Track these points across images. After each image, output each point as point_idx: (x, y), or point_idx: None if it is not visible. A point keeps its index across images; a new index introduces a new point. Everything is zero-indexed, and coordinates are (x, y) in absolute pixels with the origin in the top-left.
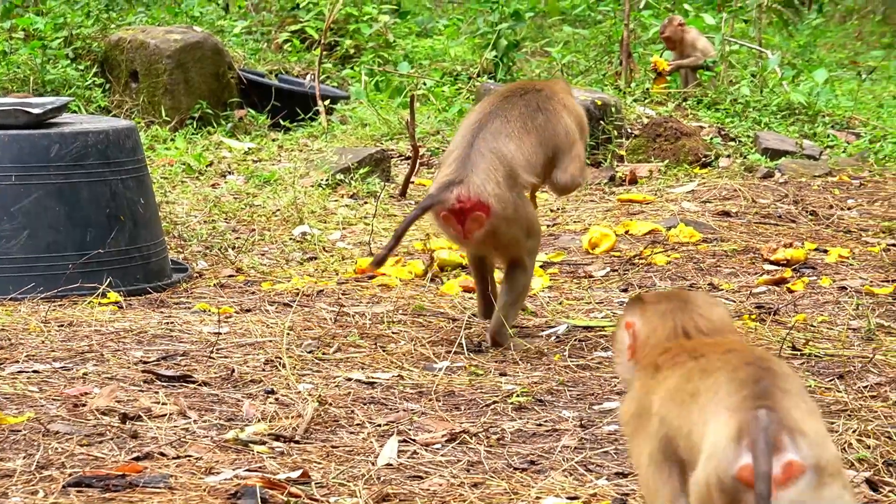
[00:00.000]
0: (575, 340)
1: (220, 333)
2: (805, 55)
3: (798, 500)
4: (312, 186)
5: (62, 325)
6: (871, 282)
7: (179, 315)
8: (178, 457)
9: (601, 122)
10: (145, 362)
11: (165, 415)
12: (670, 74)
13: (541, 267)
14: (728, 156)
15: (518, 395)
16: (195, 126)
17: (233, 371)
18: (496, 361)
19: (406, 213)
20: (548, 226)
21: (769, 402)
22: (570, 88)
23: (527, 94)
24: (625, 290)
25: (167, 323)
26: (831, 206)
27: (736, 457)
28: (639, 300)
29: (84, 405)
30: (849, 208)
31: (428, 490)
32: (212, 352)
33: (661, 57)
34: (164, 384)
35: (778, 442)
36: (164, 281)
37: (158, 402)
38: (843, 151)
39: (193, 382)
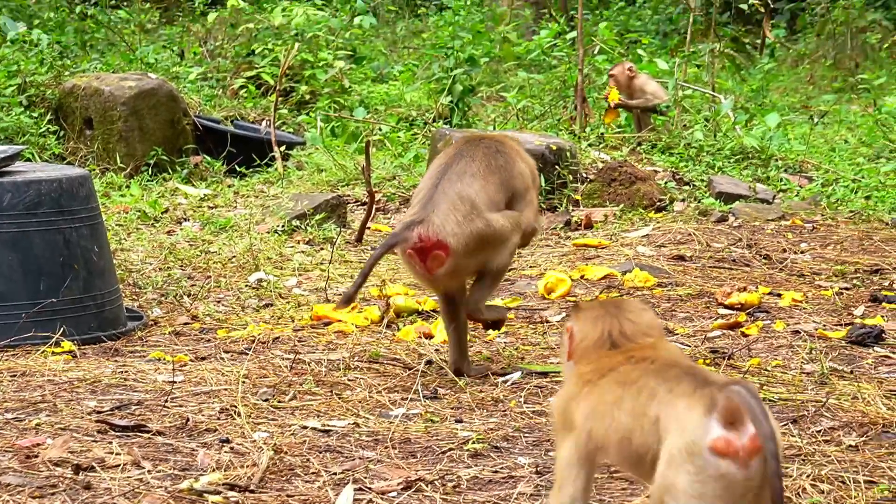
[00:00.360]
0: (531, 386)
1: (175, 382)
2: (758, 99)
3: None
4: (268, 233)
5: (14, 376)
6: (825, 325)
7: (134, 364)
8: None
9: (556, 166)
10: (99, 412)
11: (119, 465)
12: (616, 109)
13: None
14: (682, 200)
15: (474, 442)
16: (150, 173)
17: (187, 420)
18: (452, 408)
19: (363, 258)
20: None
21: (722, 382)
22: (521, 145)
23: (486, 139)
24: None
25: (121, 372)
26: (785, 250)
27: (709, 426)
28: (577, 307)
29: (36, 456)
30: (802, 252)
31: None
32: (166, 401)
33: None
34: (118, 434)
35: (759, 408)
36: (119, 329)
37: (112, 453)
38: (796, 195)
39: (148, 432)
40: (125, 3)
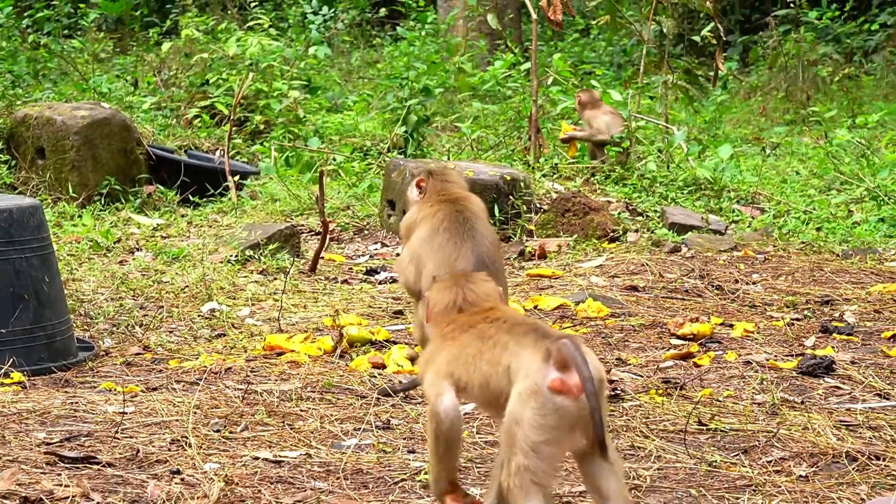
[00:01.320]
0: (483, 417)
1: (126, 413)
2: (710, 131)
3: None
4: (222, 262)
5: None
6: (776, 356)
7: (84, 395)
8: None
9: (510, 197)
10: (48, 444)
11: (68, 497)
12: (565, 142)
13: None
14: (636, 230)
15: (426, 473)
16: (103, 202)
17: (138, 451)
18: (404, 438)
19: (316, 288)
20: None
21: (560, 336)
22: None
23: (474, 216)
24: None
25: (71, 403)
26: (737, 281)
27: (547, 370)
28: (433, 281)
29: None
30: (754, 283)
31: None
32: (116, 432)
33: (569, 123)
34: (67, 466)
35: (584, 355)
36: (70, 360)
37: (61, 485)
38: (748, 226)
39: (97, 464)
40: (79, 33)
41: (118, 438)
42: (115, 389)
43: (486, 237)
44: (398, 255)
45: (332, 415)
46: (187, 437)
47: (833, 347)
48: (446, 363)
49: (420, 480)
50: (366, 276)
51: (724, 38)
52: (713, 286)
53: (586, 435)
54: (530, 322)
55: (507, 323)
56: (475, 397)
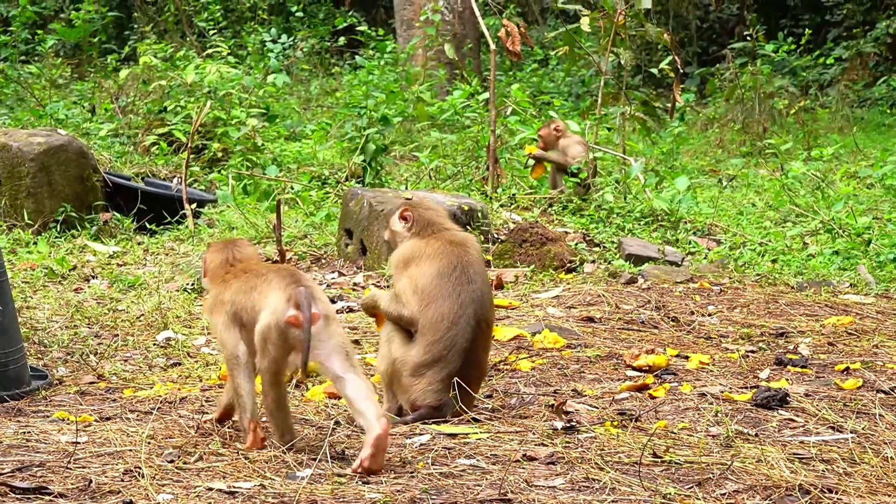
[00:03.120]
0: (439, 448)
1: (79, 443)
2: (668, 162)
3: (318, 332)
4: (178, 291)
5: None
6: (731, 388)
7: (37, 424)
8: None
9: (468, 227)
10: None
11: None
12: (542, 164)
13: None
14: (592, 261)
15: None
16: (59, 229)
17: (90, 482)
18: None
19: None
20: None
21: (303, 283)
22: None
23: (475, 263)
24: (489, 396)
25: (23, 432)
26: (692, 313)
27: (286, 310)
28: (208, 245)
29: None
30: (709, 314)
31: None
32: (69, 462)
33: (533, 143)
34: (19, 497)
35: (309, 301)
36: (22, 389)
37: None
38: (705, 258)
39: (49, 494)
40: (36, 58)
41: (70, 468)
42: (68, 419)
43: (485, 281)
44: (390, 285)
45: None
46: (140, 468)
47: (787, 380)
48: (230, 301)
49: None
50: None
51: (682, 71)
52: (669, 318)
53: (302, 369)
54: (284, 271)
55: (266, 274)
56: (249, 323)
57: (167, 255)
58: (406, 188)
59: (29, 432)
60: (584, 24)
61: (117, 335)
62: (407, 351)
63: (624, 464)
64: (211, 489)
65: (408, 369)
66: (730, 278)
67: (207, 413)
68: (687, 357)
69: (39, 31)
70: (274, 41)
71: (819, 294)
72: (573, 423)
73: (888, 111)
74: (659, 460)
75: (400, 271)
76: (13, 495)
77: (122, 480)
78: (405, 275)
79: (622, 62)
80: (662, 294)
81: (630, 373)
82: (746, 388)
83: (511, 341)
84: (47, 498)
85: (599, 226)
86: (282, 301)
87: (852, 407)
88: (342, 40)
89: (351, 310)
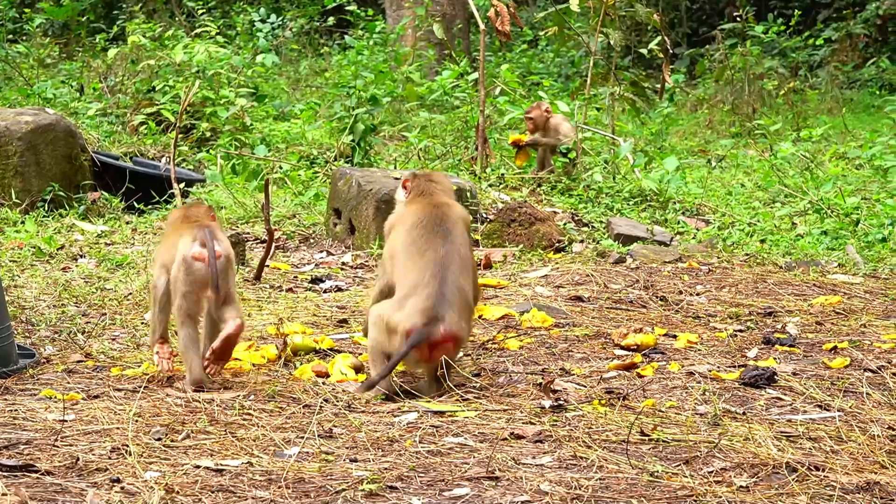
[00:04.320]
0: (426, 426)
1: (66, 421)
2: (657, 143)
3: (220, 270)
4: None
5: None
6: (718, 367)
7: (24, 402)
8: None
9: None
10: None
11: None
12: (526, 151)
13: None
14: (581, 241)
15: (368, 482)
16: (47, 209)
17: (77, 459)
18: (347, 447)
19: (261, 296)
20: None
21: (208, 226)
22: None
23: (451, 220)
24: (477, 375)
25: (10, 410)
26: (681, 292)
27: (192, 247)
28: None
29: None
30: (698, 294)
31: None
32: (56, 440)
33: (515, 133)
34: (5, 474)
35: (213, 239)
36: (10, 367)
37: None
38: (693, 238)
39: (36, 472)
40: (24, 38)
41: (58, 446)
42: (55, 397)
43: (459, 238)
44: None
45: (274, 423)
46: (128, 446)
47: (775, 359)
48: (165, 247)
49: (363, 490)
50: (311, 285)
51: (672, 51)
52: (657, 297)
53: (213, 290)
54: (201, 223)
55: (191, 223)
56: (170, 264)
57: (155, 234)
58: (395, 168)
59: (16, 410)
60: (574, 4)
61: (105, 314)
62: (387, 303)
63: (612, 442)
64: (198, 467)
65: (390, 312)
66: (718, 258)
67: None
68: (675, 336)
69: (27, 10)
70: (263, 21)
71: (807, 274)
72: (561, 402)
73: (877, 92)
74: (647, 438)
75: (385, 241)
76: (0, 473)
77: (110, 458)
78: (387, 244)
79: (612, 43)
80: (651, 274)
81: (618, 352)
82: (734, 366)
83: (499, 320)
84: (34, 475)
85: (588, 206)
86: (188, 241)
87: (839, 385)
88: (331, 20)
89: (339, 289)
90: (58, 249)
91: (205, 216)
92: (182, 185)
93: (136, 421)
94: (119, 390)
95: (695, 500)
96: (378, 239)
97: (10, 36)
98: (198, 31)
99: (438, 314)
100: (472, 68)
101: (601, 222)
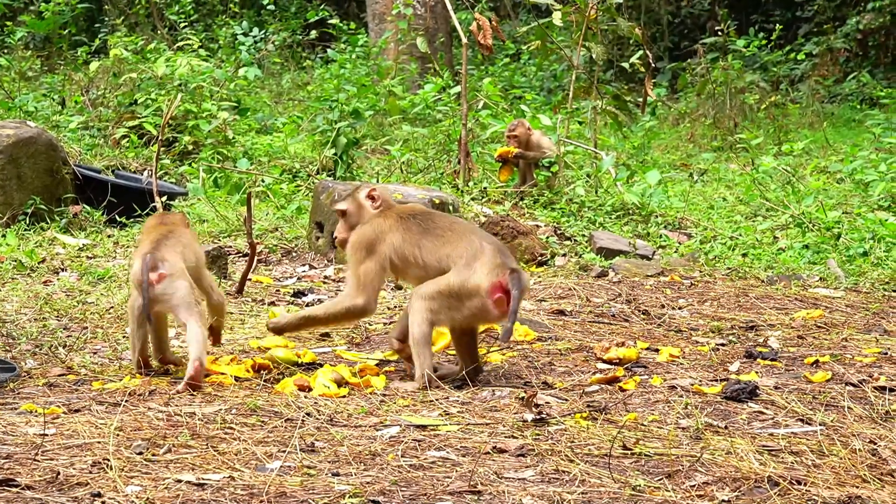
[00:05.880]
0: (409, 440)
1: (46, 435)
2: (639, 156)
3: (163, 288)
4: None
5: None
6: (700, 381)
7: (4, 416)
8: None
9: None
10: None
11: None
12: (510, 166)
13: (377, 365)
14: (564, 255)
15: (350, 496)
16: (28, 222)
17: (58, 474)
18: (329, 461)
19: (243, 309)
20: (384, 324)
21: (156, 250)
22: None
23: (436, 212)
24: (459, 388)
25: None
26: (663, 306)
27: (139, 271)
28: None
29: None
30: (680, 308)
31: None
32: (36, 454)
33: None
34: None
35: (154, 264)
36: None
37: None
38: (675, 251)
39: (16, 486)
40: (5, 51)
41: (38, 461)
42: (36, 411)
43: (455, 217)
44: (354, 266)
45: (256, 437)
46: (109, 460)
47: (757, 373)
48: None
49: None
50: (293, 299)
51: (654, 65)
52: (640, 311)
53: (146, 320)
54: (154, 236)
55: (159, 233)
56: None
57: (137, 248)
58: (377, 181)
59: None
60: (556, 18)
61: (86, 327)
62: (444, 278)
63: (594, 456)
64: (180, 481)
65: (460, 280)
66: (700, 272)
67: (177, 405)
68: (657, 350)
69: (9, 23)
70: (245, 34)
71: (789, 287)
72: (543, 416)
73: (858, 107)
74: (629, 452)
75: (362, 255)
76: None
77: (91, 472)
78: (375, 257)
79: (594, 56)
80: (633, 287)
81: (600, 365)
82: (716, 380)
83: (481, 334)
84: (14, 490)
85: (570, 219)
86: (138, 262)
87: (821, 399)
88: (314, 34)
89: (321, 303)
90: (39, 263)
91: (180, 223)
92: (164, 198)
93: (118, 435)
94: (100, 404)
95: None
96: None
97: None
98: (180, 44)
99: (513, 266)
100: (454, 82)
101: (583, 236)
